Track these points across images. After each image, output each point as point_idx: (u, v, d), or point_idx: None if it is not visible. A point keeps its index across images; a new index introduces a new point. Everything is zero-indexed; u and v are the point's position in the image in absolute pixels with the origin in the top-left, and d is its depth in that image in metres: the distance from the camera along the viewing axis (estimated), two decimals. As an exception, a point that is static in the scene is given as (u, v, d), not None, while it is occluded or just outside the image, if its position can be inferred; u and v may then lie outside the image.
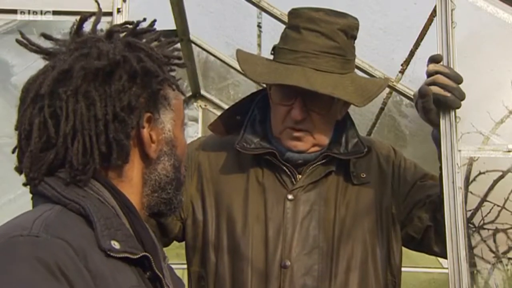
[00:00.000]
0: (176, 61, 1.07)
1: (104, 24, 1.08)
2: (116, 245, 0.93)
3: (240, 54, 1.63)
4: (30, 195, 1.02)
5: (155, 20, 1.09)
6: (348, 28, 1.53)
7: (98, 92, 0.96)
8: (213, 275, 1.55)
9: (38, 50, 1.03)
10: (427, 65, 1.43)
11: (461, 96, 1.39)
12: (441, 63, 1.41)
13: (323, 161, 1.57)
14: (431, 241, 1.55)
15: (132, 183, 1.02)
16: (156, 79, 1.00)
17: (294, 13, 1.57)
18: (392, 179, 1.62)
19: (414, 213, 1.58)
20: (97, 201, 0.97)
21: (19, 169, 1.01)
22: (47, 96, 0.97)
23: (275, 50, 1.58)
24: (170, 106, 1.05)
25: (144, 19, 1.08)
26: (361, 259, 1.54)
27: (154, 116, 1.02)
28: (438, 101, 1.40)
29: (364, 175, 1.60)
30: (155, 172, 1.05)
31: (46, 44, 1.04)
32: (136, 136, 1.00)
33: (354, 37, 1.56)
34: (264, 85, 1.72)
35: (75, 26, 1.03)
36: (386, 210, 1.59)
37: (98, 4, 1.16)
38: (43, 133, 0.97)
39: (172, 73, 1.08)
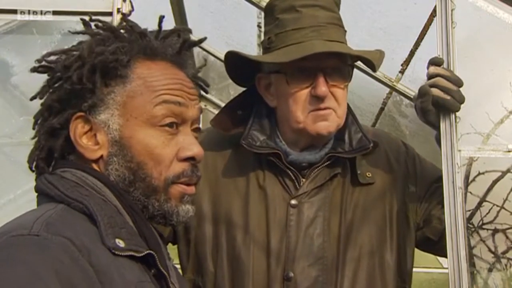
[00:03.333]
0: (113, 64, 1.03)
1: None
2: (120, 243, 0.93)
3: (235, 51, 1.52)
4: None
5: (163, 17, 1.08)
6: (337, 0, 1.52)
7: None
8: (211, 286, 1.47)
9: None
10: (428, 68, 1.42)
11: (461, 100, 1.38)
12: (442, 66, 1.41)
13: (328, 162, 1.49)
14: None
15: None
16: (70, 79, 1.01)
17: None
18: (407, 179, 1.55)
19: (433, 214, 1.51)
20: (100, 200, 0.98)
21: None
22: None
23: (270, 40, 1.48)
24: (109, 105, 1.02)
25: (132, 26, 1.08)
26: (368, 267, 1.46)
27: (91, 117, 1.02)
28: (437, 104, 1.39)
29: (370, 174, 1.52)
30: (111, 173, 1.01)
31: (46, 43, 1.06)
32: (65, 137, 1.03)
33: (339, 8, 1.54)
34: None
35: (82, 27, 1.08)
36: (398, 212, 1.52)
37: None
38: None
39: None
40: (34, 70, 1.04)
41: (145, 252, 0.96)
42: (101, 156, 1.01)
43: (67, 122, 1.01)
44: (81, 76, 1.00)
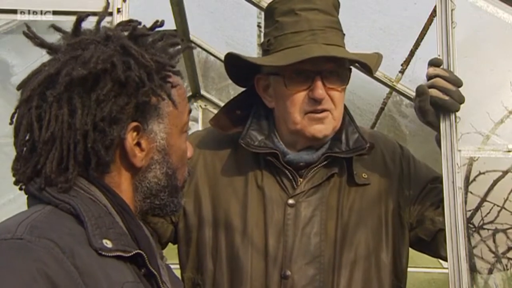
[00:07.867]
0: (170, 67, 1.03)
1: (104, 24, 1.08)
2: (108, 243, 0.93)
3: (235, 54, 1.54)
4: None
5: (160, 21, 1.07)
6: (336, 3, 1.54)
7: (81, 100, 0.95)
8: (210, 284, 1.50)
9: (42, 44, 1.03)
10: (427, 69, 1.43)
11: (460, 100, 1.39)
12: (441, 67, 1.41)
13: (325, 162, 1.52)
14: (440, 245, 1.49)
15: (120, 189, 1.02)
16: (142, 89, 0.98)
17: (280, 1, 1.51)
18: (401, 180, 1.57)
19: (426, 215, 1.53)
20: (88, 200, 0.97)
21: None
22: (37, 97, 0.97)
23: (269, 42, 1.50)
24: (161, 115, 1.03)
25: (140, 23, 1.06)
26: (364, 266, 1.49)
27: (142, 126, 1.00)
28: (436, 104, 1.39)
29: (366, 176, 1.54)
30: (146, 180, 1.03)
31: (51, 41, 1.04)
32: (120, 146, 0.99)
33: (338, 12, 1.55)
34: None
35: (72, 26, 1.03)
36: (393, 212, 1.54)
37: (108, 3, 1.15)
38: (29, 135, 0.97)
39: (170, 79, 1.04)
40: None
41: (133, 252, 0.96)
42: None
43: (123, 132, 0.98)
44: (152, 90, 0.99)
